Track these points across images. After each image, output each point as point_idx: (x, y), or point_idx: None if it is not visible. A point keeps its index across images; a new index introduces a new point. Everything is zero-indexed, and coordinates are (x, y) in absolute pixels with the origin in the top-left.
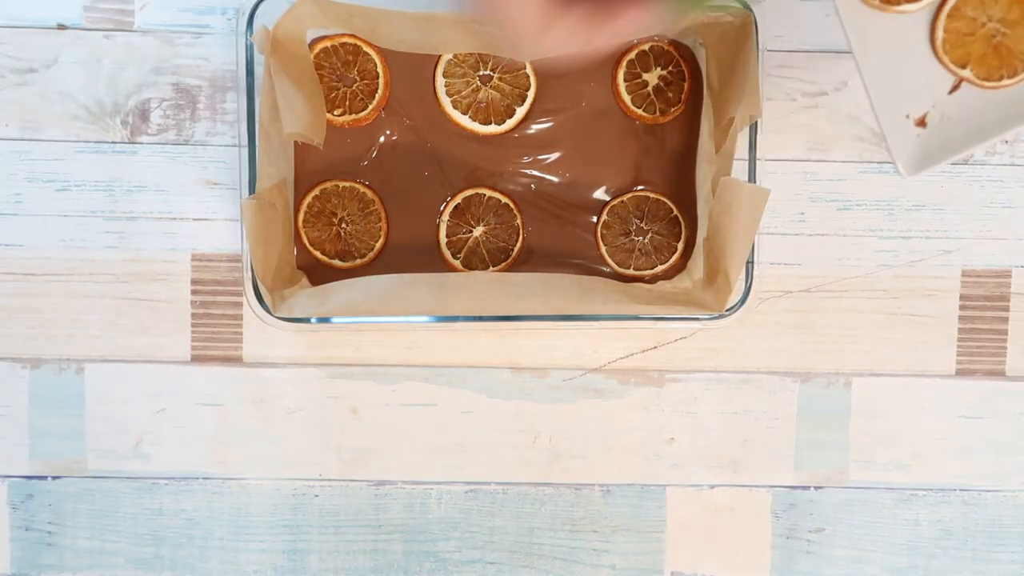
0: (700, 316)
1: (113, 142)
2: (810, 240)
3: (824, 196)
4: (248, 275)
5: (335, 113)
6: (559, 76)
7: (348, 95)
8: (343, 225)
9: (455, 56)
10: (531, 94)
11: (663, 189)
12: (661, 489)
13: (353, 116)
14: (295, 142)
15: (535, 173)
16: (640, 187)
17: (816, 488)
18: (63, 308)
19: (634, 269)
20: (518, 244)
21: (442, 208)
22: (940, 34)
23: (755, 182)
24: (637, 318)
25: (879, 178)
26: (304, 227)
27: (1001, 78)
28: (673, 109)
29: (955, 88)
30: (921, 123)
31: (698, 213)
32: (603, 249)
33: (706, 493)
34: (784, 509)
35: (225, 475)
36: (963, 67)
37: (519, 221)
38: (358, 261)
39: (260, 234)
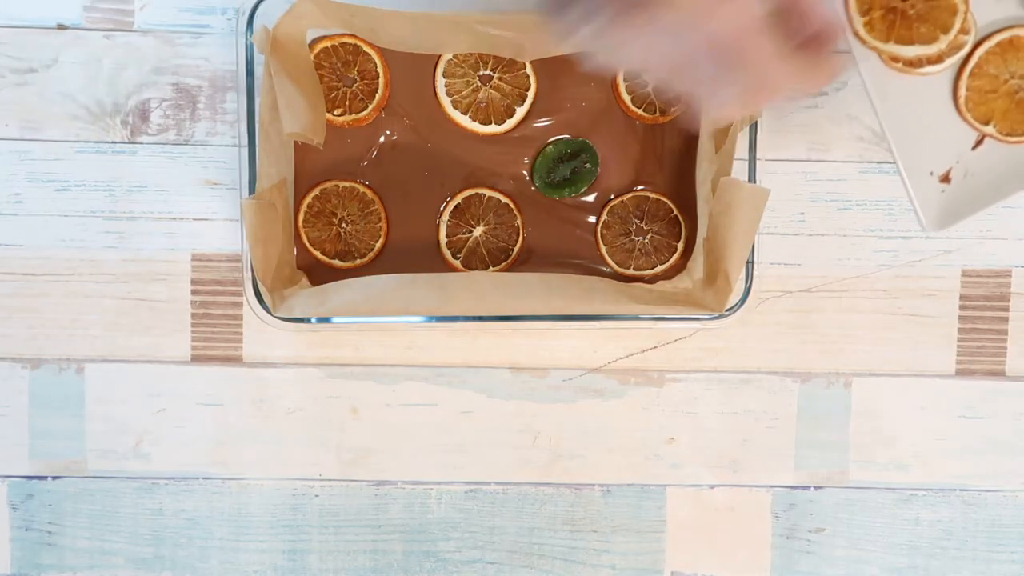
0: (700, 316)
1: (113, 142)
2: (810, 240)
3: (824, 196)
4: (248, 275)
5: (335, 113)
6: (559, 76)
7: (348, 95)
8: (343, 225)
9: (455, 56)
10: (531, 94)
11: (663, 189)
12: (661, 489)
13: (353, 116)
14: (295, 142)
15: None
16: (640, 187)
17: (816, 488)
18: (63, 308)
19: (634, 269)
20: (518, 244)
21: (442, 208)
22: (963, 92)
23: (755, 182)
24: (637, 318)
25: (879, 178)
26: (304, 227)
27: None
28: (673, 109)
29: (978, 144)
30: (945, 179)
31: (698, 213)
32: (603, 249)
33: (706, 493)
34: (784, 509)
35: (225, 475)
36: (986, 123)
37: (519, 221)
38: (358, 261)
39: (260, 234)
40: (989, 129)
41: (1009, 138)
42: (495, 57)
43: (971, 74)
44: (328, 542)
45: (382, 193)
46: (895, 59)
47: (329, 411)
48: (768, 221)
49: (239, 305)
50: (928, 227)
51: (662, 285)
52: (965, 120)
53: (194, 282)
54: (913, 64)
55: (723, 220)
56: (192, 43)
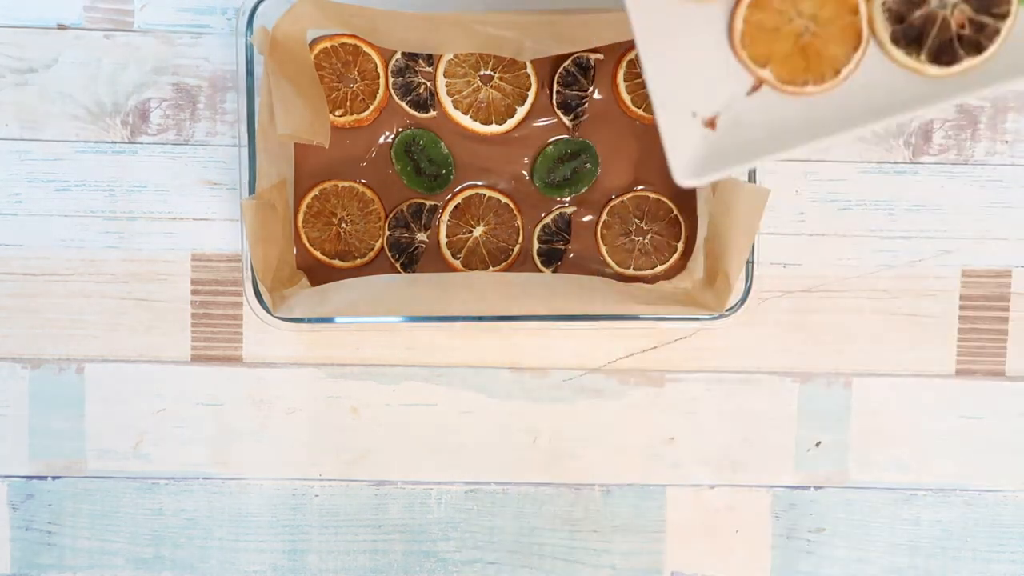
0: (700, 316)
1: (113, 142)
2: (810, 240)
3: (824, 196)
4: (248, 275)
5: (336, 114)
6: None
7: (348, 95)
8: (343, 225)
9: (455, 56)
10: (532, 94)
11: (663, 189)
12: (661, 489)
13: (354, 116)
14: (295, 142)
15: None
16: (640, 187)
17: (816, 488)
18: (63, 308)
19: (634, 269)
20: (518, 244)
21: (442, 208)
22: (739, 25)
23: (755, 182)
24: (637, 318)
25: (879, 178)
26: (304, 227)
27: (805, 83)
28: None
29: (755, 89)
30: (710, 124)
31: (698, 213)
32: (603, 249)
33: (706, 493)
34: (784, 509)
35: (225, 475)
36: (763, 66)
37: (519, 221)
38: (358, 261)
39: (260, 234)
40: (765, 73)
41: (787, 87)
42: (496, 57)
43: (752, 4)
44: (328, 542)
45: (382, 193)
46: None
47: (329, 411)
48: (768, 221)
49: (239, 305)
50: (678, 175)
51: (662, 285)
52: (739, 59)
53: (194, 282)
54: None
55: (723, 220)
56: (192, 43)
